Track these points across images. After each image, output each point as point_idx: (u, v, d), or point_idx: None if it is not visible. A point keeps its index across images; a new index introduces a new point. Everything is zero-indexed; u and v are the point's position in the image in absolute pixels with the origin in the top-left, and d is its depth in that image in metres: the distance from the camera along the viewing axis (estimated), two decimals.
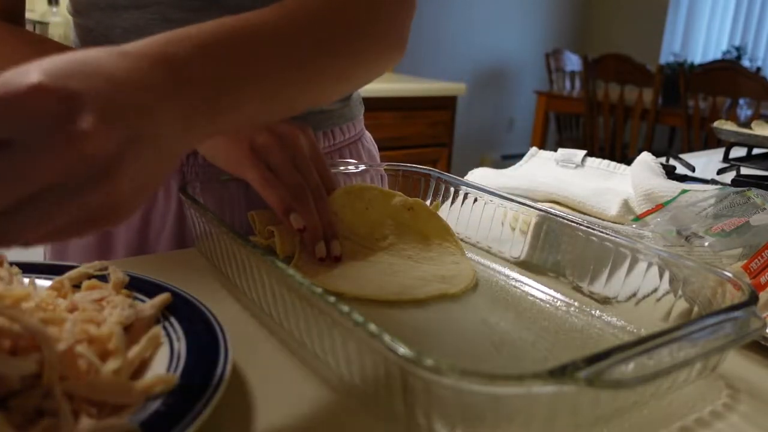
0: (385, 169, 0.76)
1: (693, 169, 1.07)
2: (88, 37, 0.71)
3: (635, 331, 0.52)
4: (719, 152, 1.31)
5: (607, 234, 0.57)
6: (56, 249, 0.77)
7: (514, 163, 1.03)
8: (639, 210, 0.78)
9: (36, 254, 0.83)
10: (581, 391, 0.33)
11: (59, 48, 0.63)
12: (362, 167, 0.75)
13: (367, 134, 0.87)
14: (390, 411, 0.37)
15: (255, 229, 0.64)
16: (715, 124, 1.24)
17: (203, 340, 0.41)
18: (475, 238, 0.69)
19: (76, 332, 0.35)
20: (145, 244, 0.73)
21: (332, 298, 0.38)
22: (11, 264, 0.48)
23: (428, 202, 0.72)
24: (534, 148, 1.05)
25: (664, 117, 3.54)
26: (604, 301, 0.56)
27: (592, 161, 0.98)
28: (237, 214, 0.70)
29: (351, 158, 0.82)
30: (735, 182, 1.03)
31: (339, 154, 0.81)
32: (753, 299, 0.43)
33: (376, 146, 0.89)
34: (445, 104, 2.65)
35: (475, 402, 0.33)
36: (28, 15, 1.93)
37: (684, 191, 0.73)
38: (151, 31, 0.64)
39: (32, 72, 0.29)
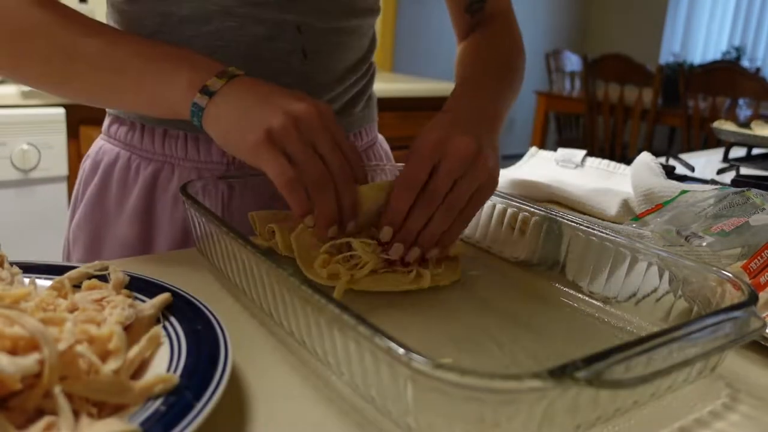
0: (388, 169, 0.76)
1: (693, 169, 1.07)
2: (134, 25, 0.68)
3: (635, 331, 0.52)
4: (719, 152, 1.31)
5: (607, 234, 0.57)
6: (89, 246, 0.74)
7: (514, 163, 1.03)
8: (639, 210, 0.78)
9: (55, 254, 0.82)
10: (581, 391, 0.33)
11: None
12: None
13: (380, 136, 0.88)
14: (390, 410, 0.37)
15: (255, 230, 0.64)
16: (715, 124, 1.24)
17: (203, 340, 0.41)
18: (475, 238, 0.69)
19: (76, 332, 0.35)
20: (188, 239, 0.71)
21: (331, 298, 0.38)
22: (11, 264, 0.48)
23: None
24: (534, 148, 1.05)
25: (663, 117, 3.54)
26: (604, 301, 0.56)
27: (592, 161, 0.98)
28: (237, 214, 0.70)
29: (370, 160, 0.83)
30: (735, 182, 1.03)
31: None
32: (753, 299, 0.43)
33: (389, 147, 0.89)
34: None
35: (474, 401, 0.33)
36: None
37: (684, 191, 0.73)
38: (210, 21, 0.67)
39: (471, 141, 0.55)
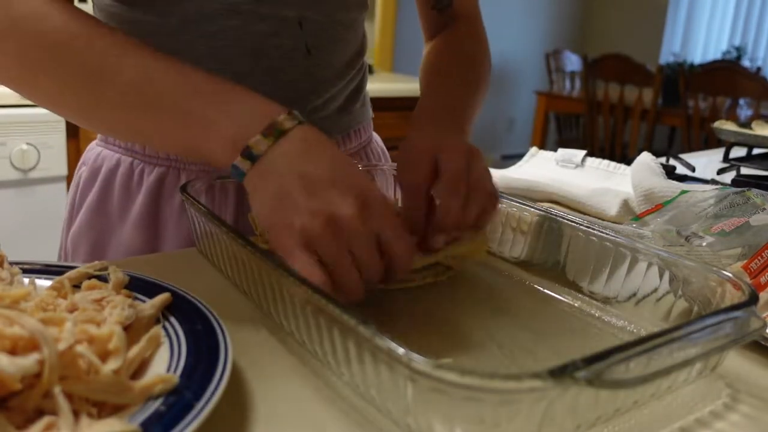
0: (386, 169, 0.76)
1: (693, 169, 1.07)
2: (125, 28, 0.64)
3: (635, 331, 0.52)
4: (719, 152, 1.31)
5: (607, 234, 0.57)
6: (92, 255, 0.72)
7: (514, 163, 1.03)
8: (639, 210, 0.78)
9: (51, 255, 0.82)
10: (581, 391, 0.33)
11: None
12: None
13: (376, 135, 0.88)
14: (390, 410, 0.37)
15: (256, 230, 0.64)
16: (715, 124, 1.24)
17: (203, 340, 0.41)
18: None
19: (76, 332, 0.35)
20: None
21: (331, 298, 0.38)
22: (11, 264, 0.48)
23: None
24: (534, 148, 1.05)
25: (664, 117, 3.54)
26: (604, 301, 0.56)
27: (592, 161, 0.98)
28: (231, 213, 0.70)
29: (369, 159, 0.83)
30: (735, 182, 1.03)
31: (357, 156, 0.81)
32: (753, 299, 0.43)
33: (383, 145, 0.89)
34: None
35: (474, 401, 0.33)
36: None
37: (684, 191, 0.73)
38: (215, 21, 0.65)
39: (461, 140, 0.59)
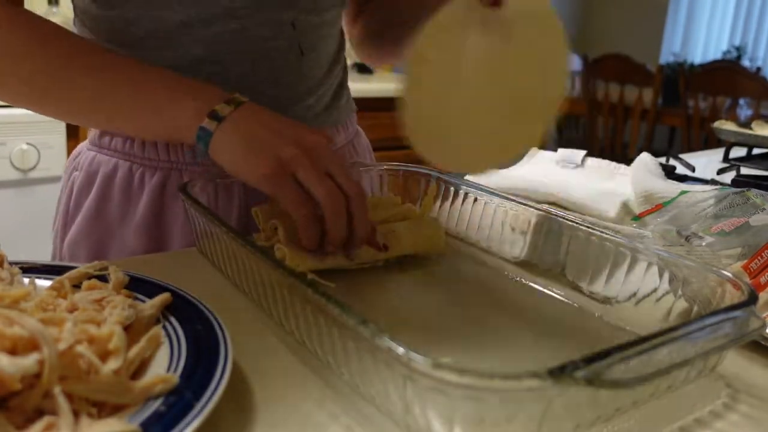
0: (385, 169, 0.76)
1: (693, 169, 1.07)
2: (116, 33, 0.65)
3: (635, 331, 0.52)
4: (719, 152, 1.31)
5: (607, 234, 0.57)
6: (93, 257, 0.70)
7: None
8: (639, 211, 0.78)
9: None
10: (581, 390, 0.33)
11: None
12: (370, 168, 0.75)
13: (361, 130, 0.89)
14: (390, 410, 0.38)
15: (259, 225, 0.63)
16: (715, 124, 1.24)
17: (203, 340, 0.41)
18: (475, 238, 0.69)
19: (76, 332, 0.35)
20: None
21: (331, 297, 0.38)
22: (11, 264, 0.48)
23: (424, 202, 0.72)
24: (534, 149, 1.05)
25: (664, 117, 3.54)
26: (604, 301, 0.56)
27: (593, 161, 0.98)
28: (236, 214, 0.70)
29: (354, 156, 0.83)
30: (735, 182, 1.03)
31: (347, 150, 0.81)
32: (752, 299, 0.43)
33: (367, 140, 0.89)
34: None
35: (474, 401, 0.33)
36: None
37: (684, 192, 0.73)
38: (212, 25, 0.66)
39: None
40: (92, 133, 0.72)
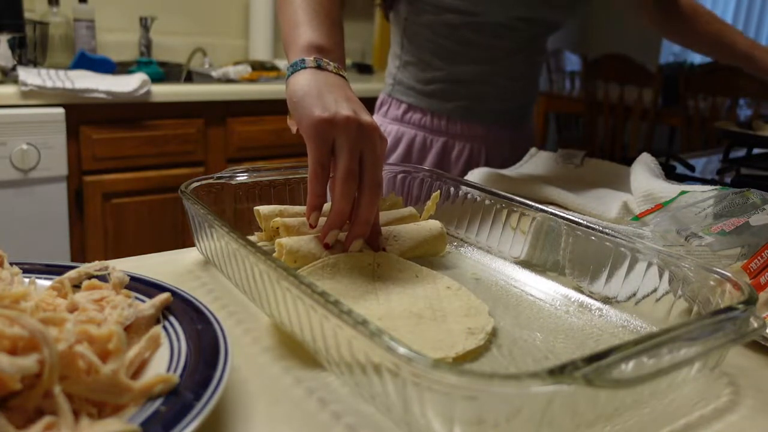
0: (385, 169, 0.76)
1: (693, 169, 1.07)
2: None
3: (635, 330, 0.52)
4: (719, 152, 1.31)
5: (607, 234, 0.57)
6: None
7: (514, 163, 1.03)
8: (639, 211, 0.78)
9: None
10: (581, 390, 0.33)
11: None
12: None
13: None
14: (389, 410, 0.38)
15: (260, 223, 0.64)
16: (717, 124, 1.24)
17: (203, 340, 0.41)
18: (475, 238, 0.69)
19: (76, 332, 0.35)
20: None
21: (330, 297, 0.38)
22: (11, 264, 0.48)
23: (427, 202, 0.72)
24: (534, 149, 1.05)
25: (664, 117, 3.53)
26: (604, 300, 0.56)
27: (592, 161, 0.98)
28: (236, 213, 0.70)
29: None
30: (735, 182, 1.03)
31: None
32: (752, 299, 0.43)
33: None
34: None
35: (474, 401, 0.33)
36: (27, 15, 1.92)
37: (683, 192, 0.73)
38: (456, 31, 0.99)
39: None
40: (399, 110, 1.08)
